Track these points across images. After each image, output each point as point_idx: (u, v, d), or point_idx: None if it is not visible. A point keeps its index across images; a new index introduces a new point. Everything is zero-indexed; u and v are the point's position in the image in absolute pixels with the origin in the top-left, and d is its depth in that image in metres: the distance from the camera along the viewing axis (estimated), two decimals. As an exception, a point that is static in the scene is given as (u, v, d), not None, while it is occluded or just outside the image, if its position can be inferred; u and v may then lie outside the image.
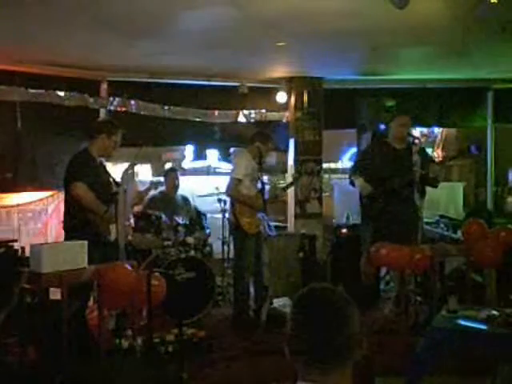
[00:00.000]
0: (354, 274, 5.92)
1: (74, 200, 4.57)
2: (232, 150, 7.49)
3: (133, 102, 7.03)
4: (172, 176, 6.64)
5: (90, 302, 4.75)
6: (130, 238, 5.50)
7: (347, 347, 1.51)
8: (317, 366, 1.51)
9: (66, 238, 4.65)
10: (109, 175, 4.88)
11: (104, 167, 4.93)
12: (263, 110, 7.61)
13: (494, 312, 3.53)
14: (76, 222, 4.60)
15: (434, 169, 5.35)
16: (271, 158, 7.78)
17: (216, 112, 7.45)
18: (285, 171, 7.82)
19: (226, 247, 6.61)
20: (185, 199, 6.68)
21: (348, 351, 1.51)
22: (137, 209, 6.03)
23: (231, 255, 6.30)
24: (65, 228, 4.74)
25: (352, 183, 5.75)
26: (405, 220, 5.40)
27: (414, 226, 5.36)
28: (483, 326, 3.39)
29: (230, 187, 5.53)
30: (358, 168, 5.72)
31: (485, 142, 8.24)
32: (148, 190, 5.57)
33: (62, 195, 6.92)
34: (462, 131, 9.05)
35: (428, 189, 5.57)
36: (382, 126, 6.59)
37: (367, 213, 5.69)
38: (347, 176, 5.92)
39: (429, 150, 8.89)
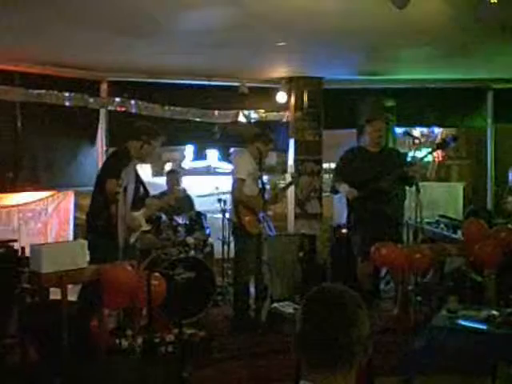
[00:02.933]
0: (353, 274, 5.92)
1: (104, 196, 4.53)
2: (232, 149, 7.48)
3: (133, 101, 7.03)
4: (172, 178, 6.65)
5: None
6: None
7: (352, 350, 1.50)
8: (320, 366, 1.50)
9: (89, 238, 4.61)
10: (139, 178, 4.89)
11: (136, 170, 4.93)
12: (263, 110, 7.62)
13: (494, 312, 3.54)
14: (100, 221, 4.57)
15: (412, 169, 5.51)
16: (271, 158, 7.79)
17: (216, 112, 7.45)
18: (285, 171, 7.82)
19: (226, 247, 6.60)
20: (186, 195, 6.68)
21: (353, 354, 1.50)
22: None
23: (231, 255, 6.30)
24: (89, 228, 4.71)
25: (334, 191, 5.93)
26: (389, 220, 5.60)
27: (397, 225, 5.68)
28: (483, 326, 3.40)
29: (235, 188, 5.53)
30: (339, 175, 5.84)
31: (485, 142, 8.25)
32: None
33: (61, 195, 6.97)
34: (462, 131, 9.04)
35: (428, 189, 5.63)
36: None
37: (356, 216, 5.79)
38: None
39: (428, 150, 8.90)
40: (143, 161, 5.01)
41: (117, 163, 4.62)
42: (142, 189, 4.84)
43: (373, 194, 5.56)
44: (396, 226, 5.71)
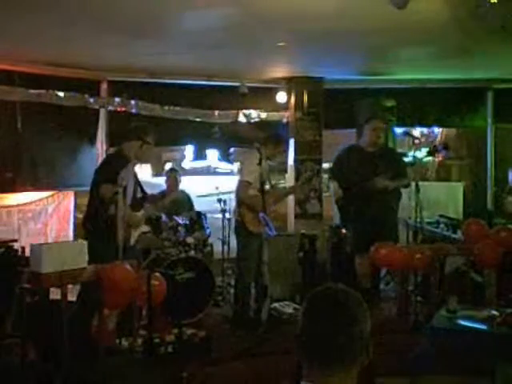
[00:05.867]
0: (353, 274, 5.91)
1: (100, 200, 4.52)
2: (232, 149, 7.49)
3: (133, 101, 7.04)
4: (172, 176, 6.65)
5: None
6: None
7: (354, 350, 1.50)
8: (321, 365, 1.50)
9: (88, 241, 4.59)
10: (137, 179, 4.87)
11: (134, 171, 4.91)
12: (263, 110, 7.62)
13: (494, 312, 3.54)
14: (98, 224, 4.57)
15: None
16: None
17: (216, 112, 7.45)
18: (285, 171, 7.82)
19: (225, 247, 6.60)
20: (186, 195, 6.68)
21: (354, 354, 1.50)
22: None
23: (231, 255, 6.29)
24: (87, 232, 4.69)
25: (327, 187, 6.10)
26: (380, 220, 5.60)
27: (391, 226, 5.68)
28: (483, 326, 3.40)
29: (240, 190, 5.52)
30: (334, 173, 5.89)
31: (485, 142, 8.25)
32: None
33: (61, 195, 6.97)
34: (462, 131, 9.04)
35: (428, 189, 5.65)
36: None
37: (344, 216, 5.87)
38: None
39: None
40: (142, 161, 5.01)
41: (112, 167, 4.59)
42: (139, 190, 4.83)
43: (359, 194, 5.60)
44: (384, 226, 5.68)
